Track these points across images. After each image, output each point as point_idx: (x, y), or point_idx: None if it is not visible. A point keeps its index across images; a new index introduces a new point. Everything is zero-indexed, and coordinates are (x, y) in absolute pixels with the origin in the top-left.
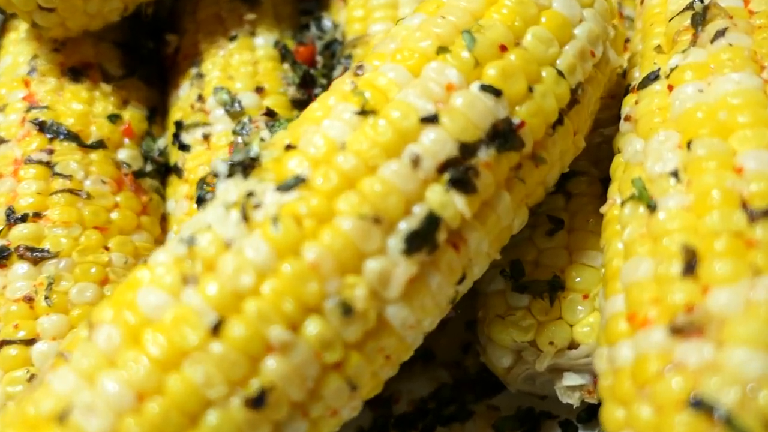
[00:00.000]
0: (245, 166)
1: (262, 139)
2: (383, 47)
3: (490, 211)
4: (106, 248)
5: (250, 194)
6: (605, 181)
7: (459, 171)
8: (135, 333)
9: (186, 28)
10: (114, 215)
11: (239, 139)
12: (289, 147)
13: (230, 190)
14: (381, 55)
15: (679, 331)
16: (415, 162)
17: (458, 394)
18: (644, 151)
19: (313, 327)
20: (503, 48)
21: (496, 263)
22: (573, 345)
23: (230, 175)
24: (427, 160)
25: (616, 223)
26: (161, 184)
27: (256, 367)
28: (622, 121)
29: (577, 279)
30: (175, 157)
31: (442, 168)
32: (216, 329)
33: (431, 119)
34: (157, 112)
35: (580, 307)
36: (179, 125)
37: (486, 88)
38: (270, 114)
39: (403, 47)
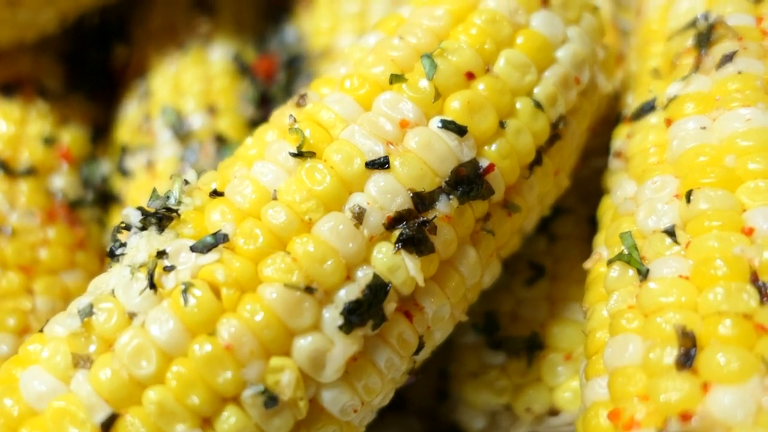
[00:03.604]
0: (161, 218)
1: (186, 182)
2: (333, 71)
3: (452, 271)
4: (31, 291)
5: (161, 254)
6: (593, 220)
7: (412, 227)
8: (13, 428)
9: (137, 38)
10: (42, 253)
11: (187, 167)
12: (214, 193)
13: (141, 247)
14: (330, 81)
15: None
16: (359, 216)
17: None
18: (636, 197)
19: (228, 422)
20: (470, 76)
21: (469, 311)
22: (553, 411)
23: (143, 227)
24: (374, 214)
25: (601, 284)
26: (105, 213)
27: None
28: (611, 156)
29: (559, 336)
30: (119, 184)
31: (392, 223)
32: (107, 427)
33: (380, 164)
34: (104, 132)
35: (560, 368)
36: (124, 149)
37: (448, 125)
38: (221, 139)
39: (353, 73)
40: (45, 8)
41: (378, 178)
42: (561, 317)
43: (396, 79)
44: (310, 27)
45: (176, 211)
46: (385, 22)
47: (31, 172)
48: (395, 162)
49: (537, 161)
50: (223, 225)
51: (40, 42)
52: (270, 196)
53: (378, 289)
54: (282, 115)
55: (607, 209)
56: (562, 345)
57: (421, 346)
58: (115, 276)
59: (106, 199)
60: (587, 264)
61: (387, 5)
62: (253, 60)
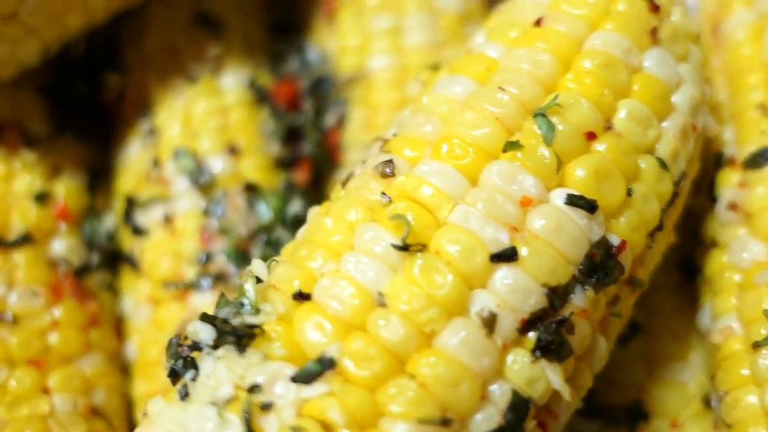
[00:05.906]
0: (239, 335)
1: (258, 280)
2: (414, 127)
3: (583, 367)
4: (46, 390)
5: (253, 388)
6: (685, 267)
7: (549, 329)
8: None
9: (131, 65)
10: (52, 338)
11: (214, 223)
12: (300, 296)
13: (221, 376)
14: (414, 141)
15: None
16: (490, 322)
17: None
18: None
19: None
20: (590, 136)
21: None
22: None
23: (216, 346)
24: (506, 318)
25: (742, 366)
26: (114, 276)
27: None
28: (724, 207)
29: (662, 401)
30: (129, 242)
31: (526, 326)
32: None
33: (507, 256)
34: (101, 176)
35: None
36: (131, 201)
37: (576, 201)
38: (252, 188)
39: (448, 134)
40: (26, 40)
41: (505, 272)
42: (661, 378)
43: (511, 146)
44: (333, 45)
45: (259, 325)
46: (469, 65)
47: (26, 239)
48: (522, 251)
49: (659, 226)
50: (324, 344)
51: (17, 77)
52: (374, 302)
53: (518, 407)
54: (364, 188)
55: (722, 269)
56: (667, 410)
57: None
58: (196, 418)
59: (113, 258)
60: (716, 338)
61: (424, 19)
62: (271, 85)
